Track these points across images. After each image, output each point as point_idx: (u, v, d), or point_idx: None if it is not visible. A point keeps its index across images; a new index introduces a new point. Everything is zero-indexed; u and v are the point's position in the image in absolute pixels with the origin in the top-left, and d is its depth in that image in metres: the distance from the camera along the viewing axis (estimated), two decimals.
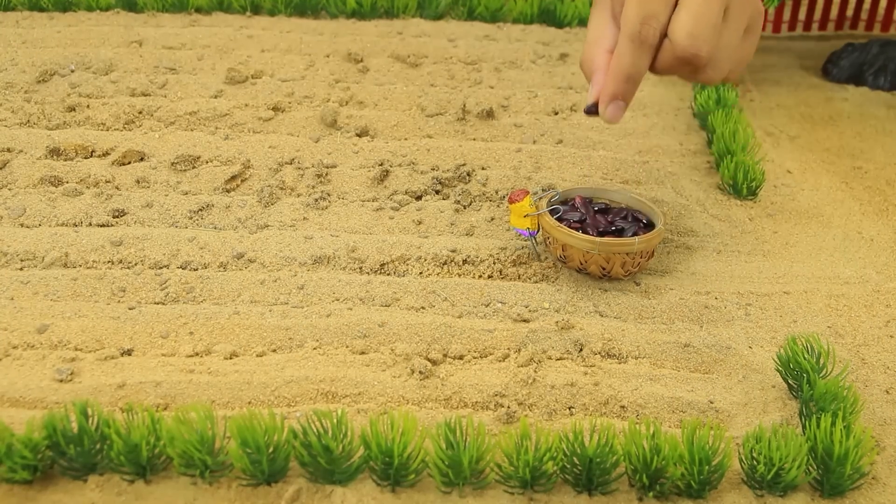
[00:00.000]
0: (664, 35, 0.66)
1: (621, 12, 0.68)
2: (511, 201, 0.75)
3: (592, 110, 0.70)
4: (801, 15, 1.32)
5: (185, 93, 1.03)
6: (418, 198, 0.88)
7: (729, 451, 0.56)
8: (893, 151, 1.01)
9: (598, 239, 0.73)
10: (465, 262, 0.78)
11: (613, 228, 0.76)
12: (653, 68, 0.68)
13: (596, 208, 0.79)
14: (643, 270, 0.78)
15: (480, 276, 0.76)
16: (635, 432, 0.56)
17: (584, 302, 0.74)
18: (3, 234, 0.79)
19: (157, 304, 0.72)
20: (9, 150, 0.90)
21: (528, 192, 0.75)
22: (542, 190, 0.85)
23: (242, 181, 0.89)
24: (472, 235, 0.82)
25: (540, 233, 0.77)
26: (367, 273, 0.77)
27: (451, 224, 0.83)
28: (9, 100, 0.99)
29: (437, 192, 0.88)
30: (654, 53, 0.67)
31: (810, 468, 0.57)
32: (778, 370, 0.66)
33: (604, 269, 0.74)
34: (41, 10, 1.20)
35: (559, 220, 0.76)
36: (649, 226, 0.77)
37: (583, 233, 0.74)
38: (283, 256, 0.78)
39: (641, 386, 0.65)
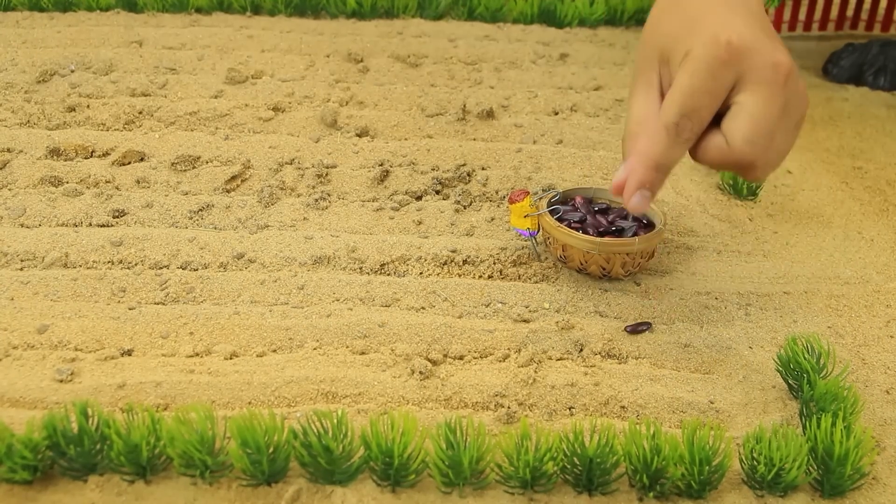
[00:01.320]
0: (706, 129, 0.63)
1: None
2: (511, 201, 0.75)
3: (619, 190, 0.66)
4: (802, 15, 1.32)
5: (185, 93, 1.03)
6: (418, 198, 0.88)
7: (729, 452, 0.56)
8: (893, 151, 1.01)
9: (598, 239, 0.73)
10: (465, 262, 0.78)
11: (614, 229, 0.76)
12: (697, 158, 0.65)
13: (596, 208, 0.79)
14: (643, 270, 0.78)
15: (480, 277, 0.76)
16: (635, 432, 0.56)
17: (585, 302, 0.74)
18: (3, 234, 0.79)
19: (158, 304, 0.72)
20: (9, 150, 0.90)
21: (528, 193, 0.75)
22: (543, 190, 0.85)
23: (242, 181, 0.89)
24: (472, 236, 0.82)
25: (540, 233, 0.77)
26: (368, 273, 0.77)
27: (452, 224, 0.83)
28: (9, 100, 0.99)
29: (438, 192, 0.88)
30: (689, 146, 0.64)
31: (810, 468, 0.57)
32: (778, 370, 0.66)
33: (604, 269, 0.74)
34: (41, 10, 1.20)
35: (559, 220, 0.76)
36: (649, 226, 0.77)
37: (583, 233, 0.74)
38: (283, 257, 0.78)
39: (642, 386, 0.65)
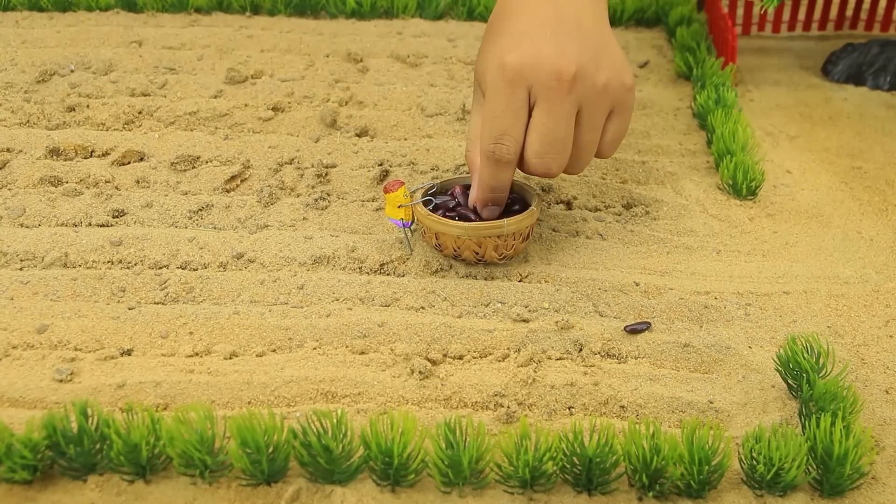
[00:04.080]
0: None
1: None
2: (386, 191, 0.75)
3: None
4: (801, 15, 1.32)
5: (184, 93, 1.03)
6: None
7: (728, 451, 0.56)
8: (893, 151, 1.01)
9: (466, 224, 0.73)
10: (464, 261, 0.78)
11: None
12: (520, 168, 0.71)
13: None
14: (518, 254, 0.78)
15: (480, 276, 0.76)
16: (635, 432, 0.56)
17: (584, 302, 0.74)
18: (2, 234, 0.79)
19: (157, 304, 0.72)
20: (8, 150, 0.90)
21: (402, 183, 0.75)
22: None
23: (242, 181, 0.89)
24: None
25: (415, 223, 0.77)
26: (367, 273, 0.77)
27: None
28: (8, 100, 0.99)
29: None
30: (513, 167, 0.70)
31: (810, 468, 0.57)
32: (777, 370, 0.66)
33: (477, 253, 0.75)
34: (41, 10, 1.20)
35: (434, 209, 0.76)
36: (527, 209, 0.77)
37: (459, 220, 0.74)
38: (282, 256, 0.78)
39: (641, 386, 0.65)
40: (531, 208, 0.75)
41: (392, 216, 0.76)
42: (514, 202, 0.78)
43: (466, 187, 0.80)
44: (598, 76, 0.68)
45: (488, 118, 0.67)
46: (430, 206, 0.76)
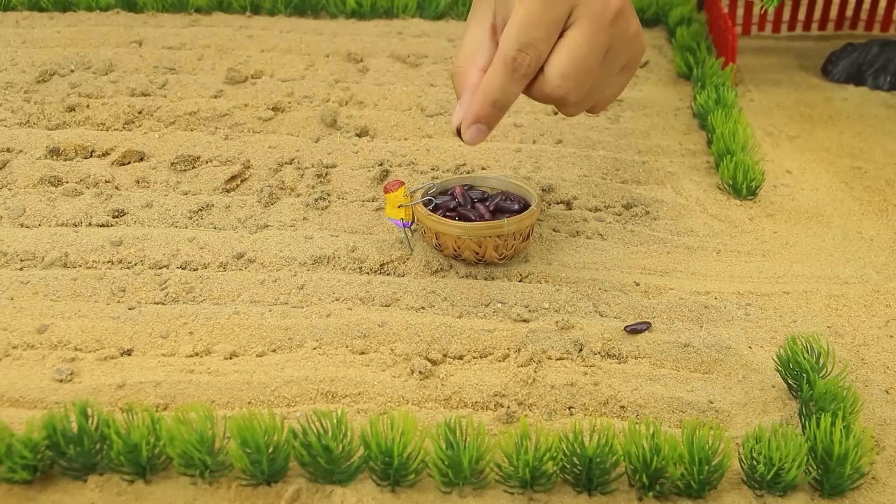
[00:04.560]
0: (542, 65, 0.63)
1: (502, 28, 0.64)
2: (386, 191, 0.75)
3: (459, 133, 0.67)
4: (801, 15, 1.32)
5: (184, 93, 1.03)
6: None
7: (729, 451, 0.56)
8: (893, 151, 1.01)
9: (466, 224, 0.73)
10: (465, 261, 0.78)
11: (491, 214, 0.76)
12: (526, 92, 0.65)
13: (475, 197, 0.79)
14: (519, 254, 0.78)
15: (480, 276, 0.76)
16: (635, 432, 0.56)
17: (584, 302, 0.74)
18: (2, 234, 0.79)
19: (157, 304, 0.72)
20: (8, 150, 0.90)
21: (402, 183, 0.75)
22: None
23: (242, 181, 0.89)
24: None
25: (415, 223, 0.77)
26: (367, 273, 0.77)
27: None
28: (8, 100, 0.99)
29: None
30: (527, 82, 0.64)
31: (810, 468, 0.57)
32: (778, 370, 0.66)
33: (477, 253, 0.75)
34: (41, 10, 1.20)
35: (435, 209, 0.76)
36: (527, 209, 0.77)
37: (459, 220, 0.74)
38: (282, 256, 0.78)
39: (641, 386, 0.65)
40: (531, 208, 0.76)
41: (392, 216, 0.76)
42: (514, 202, 0.78)
43: (466, 187, 0.80)
44: (633, 22, 0.64)
45: (520, 22, 0.61)
46: (431, 206, 0.77)
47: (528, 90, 0.65)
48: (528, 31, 0.61)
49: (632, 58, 0.67)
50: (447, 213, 0.76)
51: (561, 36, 0.62)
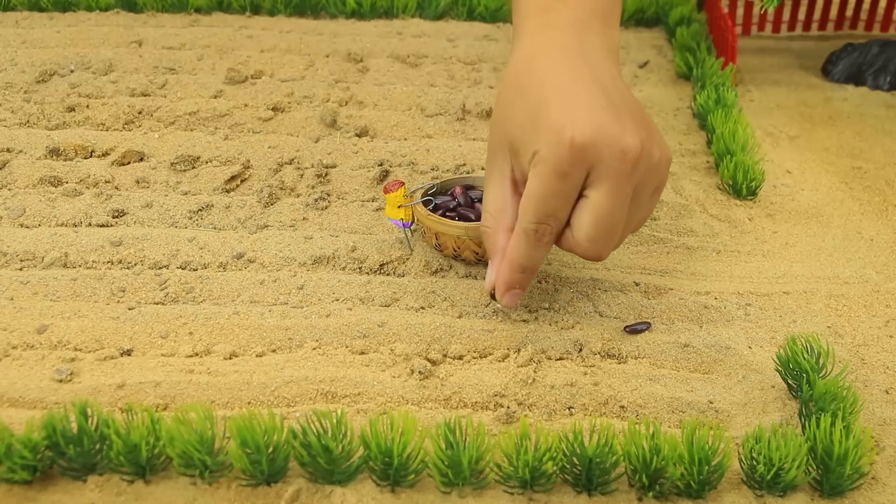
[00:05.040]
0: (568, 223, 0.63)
1: (522, 182, 0.63)
2: (386, 191, 0.75)
3: (494, 295, 0.68)
4: (801, 15, 1.32)
5: (184, 93, 1.03)
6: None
7: (728, 452, 0.56)
8: (893, 151, 1.01)
9: (466, 224, 0.73)
10: (464, 261, 0.78)
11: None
12: (557, 244, 0.65)
13: (475, 197, 0.79)
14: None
15: (480, 277, 0.76)
16: (635, 432, 0.56)
17: (584, 302, 0.74)
18: (2, 234, 0.79)
19: (157, 304, 0.72)
20: (8, 150, 0.90)
21: (402, 183, 0.75)
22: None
23: (242, 181, 0.89)
24: None
25: (415, 223, 0.77)
26: (367, 273, 0.77)
27: None
28: (8, 100, 0.99)
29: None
30: (552, 244, 0.64)
31: (810, 468, 0.57)
32: (777, 370, 0.66)
33: (477, 254, 0.75)
34: (41, 10, 1.20)
35: (434, 209, 0.76)
36: None
37: (459, 220, 0.74)
38: (282, 256, 0.78)
39: (641, 386, 0.65)
40: None
41: (392, 216, 0.76)
42: None
43: (466, 187, 0.80)
44: (654, 152, 0.62)
45: (537, 196, 0.61)
46: (431, 207, 0.77)
47: (559, 244, 0.65)
48: (546, 203, 0.61)
49: (660, 183, 0.65)
50: (447, 214, 0.76)
51: (583, 195, 0.61)
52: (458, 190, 0.79)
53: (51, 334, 0.68)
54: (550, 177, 0.60)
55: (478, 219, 0.75)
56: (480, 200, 0.79)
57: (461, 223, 0.73)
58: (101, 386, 0.63)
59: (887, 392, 0.67)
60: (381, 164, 0.92)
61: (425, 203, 0.76)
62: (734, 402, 0.65)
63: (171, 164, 0.90)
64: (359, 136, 0.97)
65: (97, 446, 0.56)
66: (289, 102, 1.01)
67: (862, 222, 0.87)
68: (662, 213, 0.87)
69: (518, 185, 0.65)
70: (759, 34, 1.32)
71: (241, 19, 1.21)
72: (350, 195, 0.87)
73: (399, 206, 0.75)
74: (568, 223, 0.63)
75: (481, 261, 0.76)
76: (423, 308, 0.72)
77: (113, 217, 0.82)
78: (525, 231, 0.63)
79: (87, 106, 0.99)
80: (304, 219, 0.83)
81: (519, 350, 0.68)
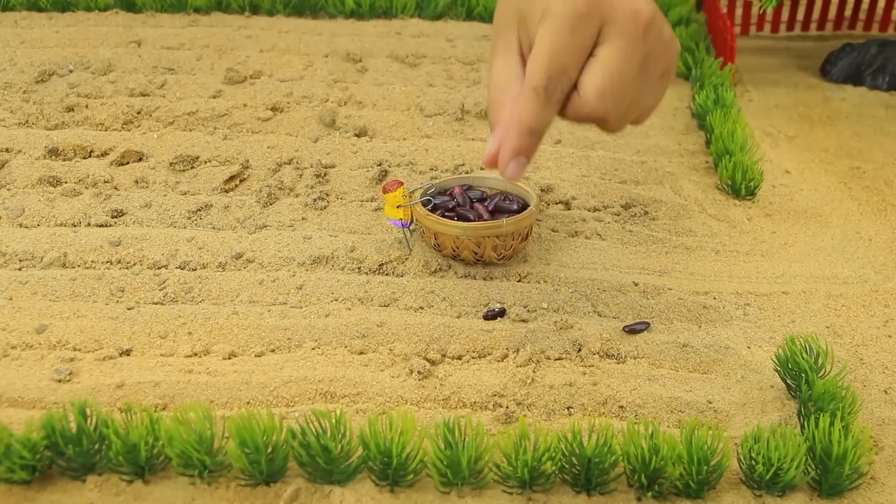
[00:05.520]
0: (574, 87, 0.61)
1: (529, 54, 0.61)
2: (385, 191, 0.75)
3: (493, 161, 0.64)
4: (800, 15, 1.32)
5: (183, 93, 1.03)
6: None
7: (727, 451, 0.56)
8: (891, 151, 1.01)
9: (465, 224, 0.73)
10: (463, 261, 0.78)
11: (490, 215, 0.76)
12: (561, 115, 0.63)
13: (474, 197, 0.79)
14: (517, 254, 0.78)
15: (479, 277, 0.76)
16: (634, 432, 0.56)
17: (583, 302, 0.74)
18: (1, 234, 0.79)
19: (156, 304, 0.72)
20: (7, 150, 0.90)
21: (401, 183, 0.75)
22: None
23: (241, 181, 0.89)
24: None
25: (414, 223, 0.77)
26: (366, 273, 0.77)
27: None
28: (7, 100, 0.99)
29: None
30: (560, 106, 0.61)
31: (809, 468, 0.57)
32: (776, 370, 0.66)
33: (476, 253, 0.75)
34: (40, 10, 1.20)
35: (433, 209, 0.76)
36: (526, 209, 0.77)
37: (458, 220, 0.74)
38: (281, 256, 0.78)
39: (640, 386, 0.65)
40: (530, 208, 0.76)
41: (391, 216, 0.76)
42: (513, 202, 0.78)
43: (465, 187, 0.80)
44: (665, 29, 0.61)
45: (548, 51, 0.59)
46: (430, 207, 0.77)
47: (563, 113, 0.63)
48: (558, 58, 0.59)
49: (669, 64, 0.64)
50: (446, 214, 0.76)
51: (592, 54, 0.60)
52: (456, 190, 0.79)
53: (50, 334, 0.68)
54: (562, 30, 0.58)
55: (477, 219, 0.75)
56: (479, 200, 0.79)
57: (460, 223, 0.73)
58: (100, 386, 0.63)
59: (886, 392, 0.67)
60: (380, 164, 0.92)
61: (424, 203, 0.76)
62: (733, 401, 0.65)
63: (170, 164, 0.90)
64: (358, 136, 0.97)
65: (96, 446, 0.56)
66: (288, 102, 1.01)
67: (860, 222, 0.88)
68: (661, 212, 0.87)
69: (525, 59, 0.63)
70: (758, 34, 1.32)
71: (240, 19, 1.21)
72: (349, 195, 0.87)
73: (398, 206, 0.75)
74: (576, 88, 0.61)
75: (480, 261, 0.76)
76: (422, 308, 0.73)
77: (112, 217, 0.82)
78: (535, 89, 0.60)
79: (86, 106, 0.99)
80: (303, 219, 0.83)
81: (518, 350, 0.68)
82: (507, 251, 0.76)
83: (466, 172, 0.91)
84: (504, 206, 0.77)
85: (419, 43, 1.18)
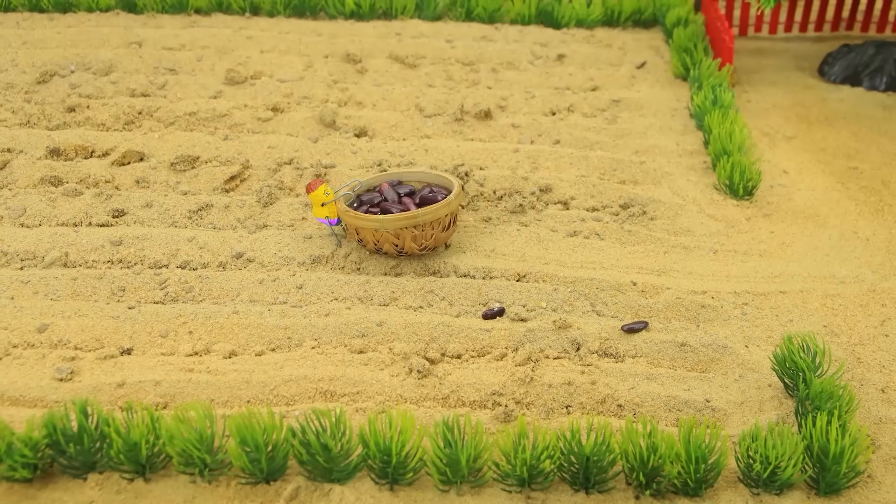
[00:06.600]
0: None
1: None
2: (308, 191, 0.76)
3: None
4: (798, 16, 1.32)
5: (184, 93, 1.03)
6: None
7: (725, 450, 0.57)
8: (889, 152, 1.01)
9: (382, 217, 0.74)
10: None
11: (416, 207, 0.76)
12: None
13: (402, 192, 0.79)
14: (440, 244, 0.78)
15: (478, 276, 0.77)
16: (632, 431, 0.56)
17: (582, 301, 0.74)
18: (3, 234, 0.79)
19: (157, 303, 0.72)
20: (9, 150, 0.91)
21: (323, 181, 0.76)
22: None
23: (241, 181, 0.89)
24: None
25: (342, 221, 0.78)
26: (366, 273, 0.77)
27: None
28: (9, 100, 1.00)
29: None
30: None
31: (806, 466, 0.57)
32: (774, 369, 0.66)
33: (396, 245, 0.75)
34: (41, 11, 1.20)
35: (360, 205, 0.77)
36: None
37: (382, 214, 0.75)
38: (281, 256, 0.78)
39: (638, 385, 0.66)
40: (448, 197, 0.76)
41: (318, 215, 0.77)
42: (439, 193, 0.78)
43: (394, 183, 0.81)
44: None
45: None
46: (354, 203, 0.77)
47: None
48: None
49: None
50: (371, 209, 0.77)
51: None
52: (384, 186, 0.80)
53: (51, 333, 0.68)
54: None
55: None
56: (408, 195, 0.79)
57: (377, 216, 0.74)
58: (101, 385, 0.63)
59: (883, 391, 0.67)
60: (379, 164, 0.92)
61: (345, 198, 0.77)
62: (731, 400, 0.65)
63: (171, 164, 0.90)
64: (357, 136, 0.97)
65: (97, 445, 0.56)
66: (288, 103, 1.02)
67: (858, 222, 0.88)
68: (659, 212, 0.87)
69: None
70: (756, 35, 1.33)
71: (241, 20, 1.21)
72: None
73: (323, 205, 0.76)
74: None
75: (402, 254, 0.76)
76: (421, 307, 0.73)
77: (113, 217, 0.82)
78: None
79: (88, 106, 0.99)
80: (303, 218, 0.84)
81: (517, 349, 0.69)
82: (428, 241, 0.76)
83: (466, 172, 0.91)
84: (429, 197, 0.77)
85: (419, 44, 1.18)
